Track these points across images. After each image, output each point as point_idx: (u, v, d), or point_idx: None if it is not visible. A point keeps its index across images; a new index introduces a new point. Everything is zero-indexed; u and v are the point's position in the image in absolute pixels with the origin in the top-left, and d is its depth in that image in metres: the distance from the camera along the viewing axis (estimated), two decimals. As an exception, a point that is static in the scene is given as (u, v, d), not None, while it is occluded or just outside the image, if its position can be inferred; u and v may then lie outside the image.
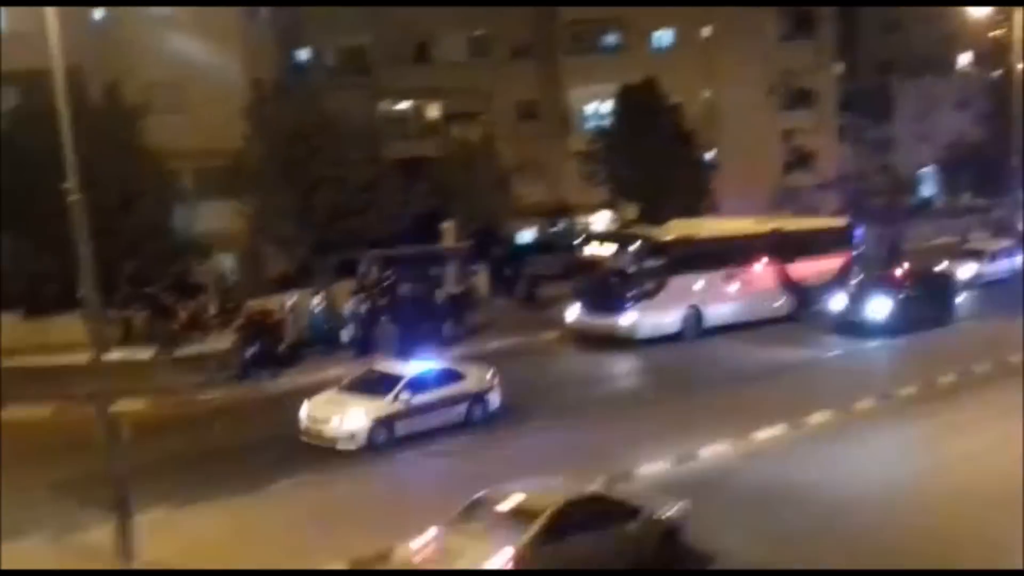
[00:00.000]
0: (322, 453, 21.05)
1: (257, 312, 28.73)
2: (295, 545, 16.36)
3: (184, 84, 36.48)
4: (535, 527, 13.90)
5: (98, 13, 36.70)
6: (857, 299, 30.95)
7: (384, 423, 21.43)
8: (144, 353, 26.43)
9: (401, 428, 21.55)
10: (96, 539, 16.31)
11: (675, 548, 15.32)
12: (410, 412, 21.74)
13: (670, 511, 15.47)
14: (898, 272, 32.48)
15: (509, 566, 13.45)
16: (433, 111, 49.06)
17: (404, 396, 21.75)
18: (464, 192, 38.40)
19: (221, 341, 27.65)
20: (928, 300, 31.53)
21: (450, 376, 22.92)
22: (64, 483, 19.44)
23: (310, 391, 23.21)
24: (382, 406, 21.62)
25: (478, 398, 22.99)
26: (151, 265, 32.13)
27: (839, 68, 57.56)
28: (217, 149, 33.98)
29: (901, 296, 30.92)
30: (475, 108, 47.82)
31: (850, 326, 30.49)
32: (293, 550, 16.12)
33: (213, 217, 33.92)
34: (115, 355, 23.71)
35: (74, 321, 27.42)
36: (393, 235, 33.39)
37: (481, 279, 36.78)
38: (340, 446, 21.08)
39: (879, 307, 30.54)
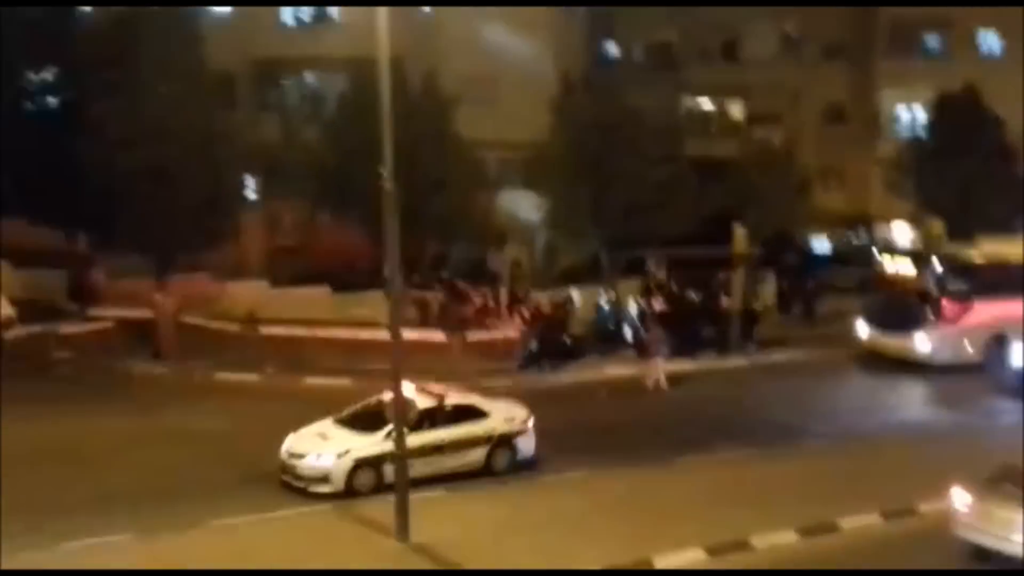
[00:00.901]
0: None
1: (545, 304, 29.60)
2: (570, 537, 16.80)
3: (495, 76, 37.90)
4: None
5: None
6: None
7: (370, 464, 18.58)
8: (437, 335, 27.78)
9: (392, 472, 17.49)
10: (377, 511, 17.45)
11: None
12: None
13: None
14: None
15: None
16: (736, 110, 48.47)
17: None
18: (760, 196, 37.71)
19: (510, 330, 28.64)
20: None
21: (468, 413, 19.94)
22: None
23: (588, 388, 23.68)
24: (369, 444, 18.72)
25: (503, 442, 19.94)
26: (451, 250, 33.84)
27: None
28: (522, 141, 35.22)
29: None
30: (779, 109, 46.77)
31: None
32: (569, 541, 16.57)
33: (512, 207, 35.17)
34: (411, 335, 25.07)
35: (377, 299, 29.34)
36: (684, 235, 33.43)
37: (768, 288, 36.12)
38: (311, 488, 18.50)
39: None
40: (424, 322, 29.91)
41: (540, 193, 33.59)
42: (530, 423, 20.36)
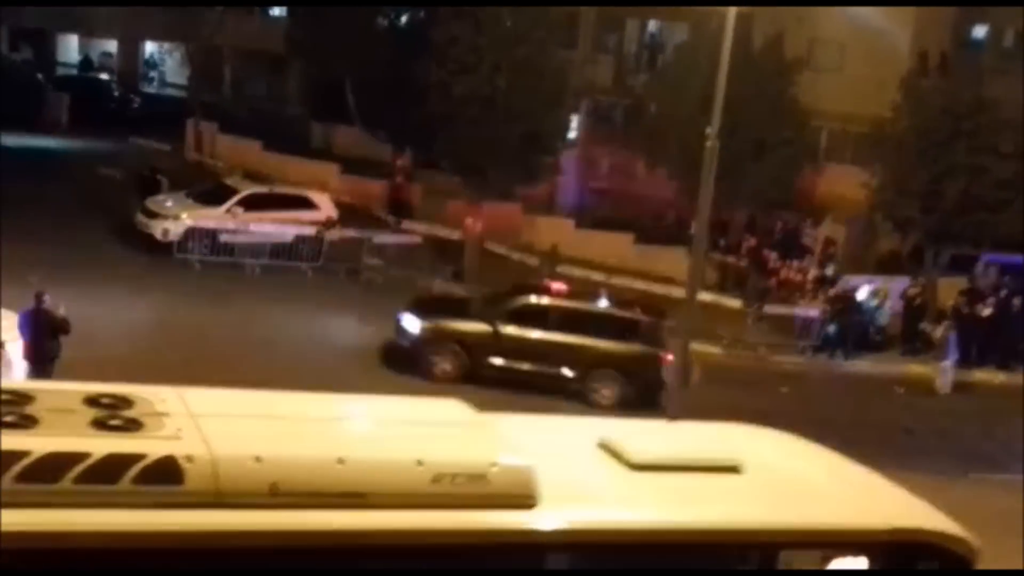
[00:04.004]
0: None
1: (853, 288, 28.04)
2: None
3: (846, 44, 36.01)
4: None
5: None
6: None
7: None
8: (733, 302, 27.01)
9: None
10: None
11: None
12: None
13: None
14: None
15: None
16: (1112, 114, 43.67)
17: None
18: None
19: (811, 308, 27.40)
20: None
21: None
22: (624, 404, 20.55)
23: (878, 381, 22.33)
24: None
25: None
26: (764, 218, 32.68)
27: None
28: (860, 115, 33.39)
29: None
30: None
31: None
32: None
33: (835, 182, 33.54)
34: (706, 297, 24.50)
35: (678, 256, 28.87)
36: (1024, 239, 30.64)
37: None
38: None
39: None
40: (722, 287, 29.15)
41: (870, 172, 31.71)
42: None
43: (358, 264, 27.79)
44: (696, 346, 21.48)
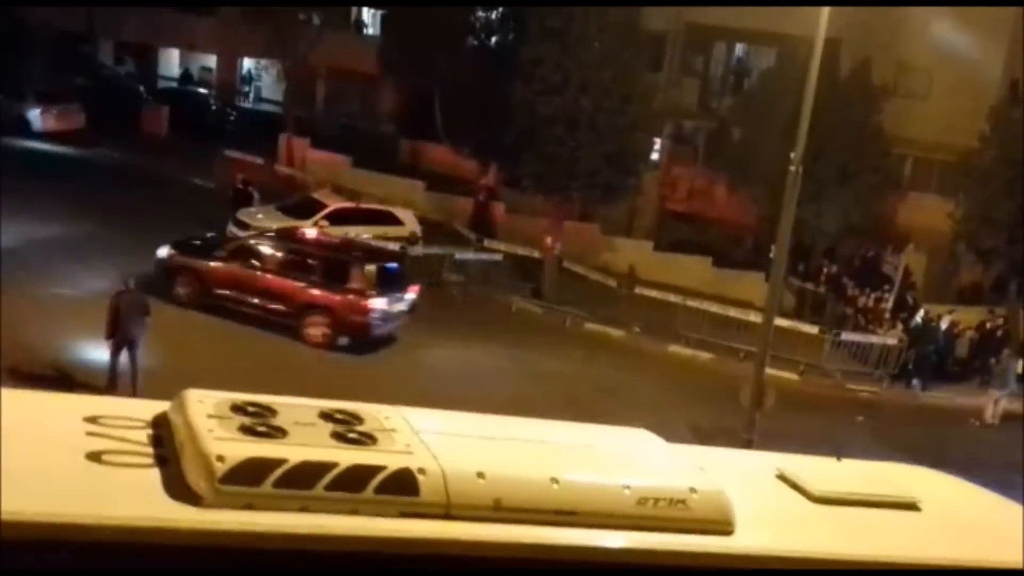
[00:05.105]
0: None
1: (929, 317, 27.84)
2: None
3: (934, 71, 35.66)
4: None
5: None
6: None
7: None
8: (811, 328, 26.96)
9: None
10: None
11: None
12: None
13: None
14: None
15: None
16: None
17: None
18: None
19: (889, 337, 27.26)
20: None
21: None
22: (698, 429, 20.56)
23: (956, 412, 22.12)
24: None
25: None
26: (845, 244, 32.52)
27: None
28: (946, 143, 33.11)
29: None
30: None
31: None
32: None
33: (918, 211, 33.25)
34: (783, 322, 24.51)
35: (756, 281, 28.95)
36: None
37: None
38: None
39: None
40: (800, 313, 29.11)
41: (953, 202, 31.44)
42: None
43: (439, 280, 28.35)
44: (772, 371, 21.55)
